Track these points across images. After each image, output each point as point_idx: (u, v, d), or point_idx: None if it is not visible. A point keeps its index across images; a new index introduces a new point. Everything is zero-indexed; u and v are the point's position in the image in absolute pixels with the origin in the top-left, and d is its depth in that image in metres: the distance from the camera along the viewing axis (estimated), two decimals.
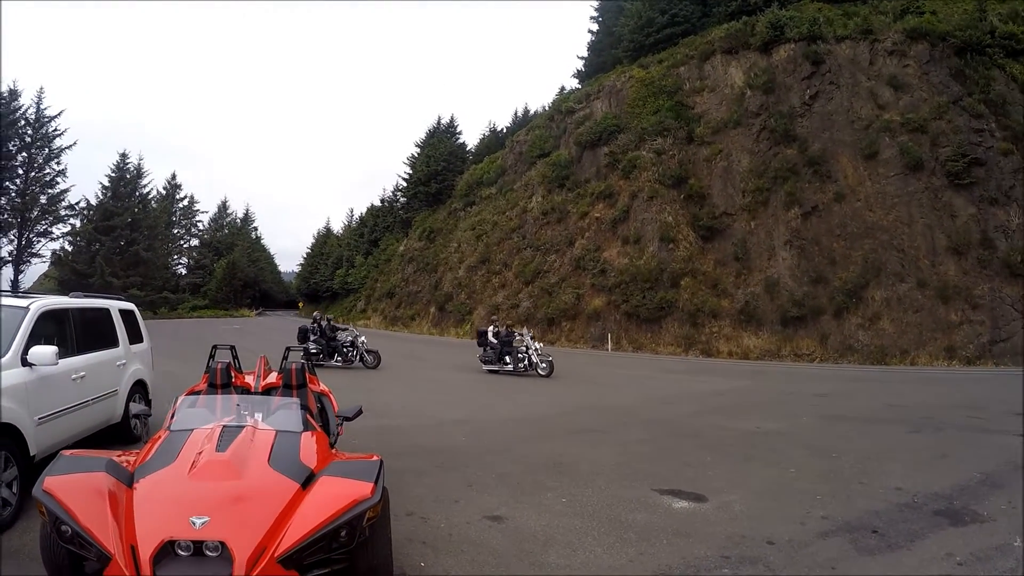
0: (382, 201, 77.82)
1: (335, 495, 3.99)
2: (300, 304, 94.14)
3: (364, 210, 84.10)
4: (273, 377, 7.50)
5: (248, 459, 4.31)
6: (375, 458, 4.57)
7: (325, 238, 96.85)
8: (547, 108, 55.30)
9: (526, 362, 20.85)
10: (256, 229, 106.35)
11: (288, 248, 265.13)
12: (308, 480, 4.24)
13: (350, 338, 22.00)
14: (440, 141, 64.82)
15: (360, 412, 6.67)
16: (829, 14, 39.38)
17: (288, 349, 8.35)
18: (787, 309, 32.52)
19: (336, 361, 21.56)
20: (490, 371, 21.20)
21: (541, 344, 22.46)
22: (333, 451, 5.35)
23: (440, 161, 62.10)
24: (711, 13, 45.12)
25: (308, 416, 5.54)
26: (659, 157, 39.36)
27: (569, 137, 46.30)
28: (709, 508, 6.59)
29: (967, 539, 5.84)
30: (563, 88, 62.25)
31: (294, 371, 6.92)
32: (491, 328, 22.17)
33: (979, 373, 25.26)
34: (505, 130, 63.71)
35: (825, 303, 31.99)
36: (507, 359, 21.22)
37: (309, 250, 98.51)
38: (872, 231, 32.54)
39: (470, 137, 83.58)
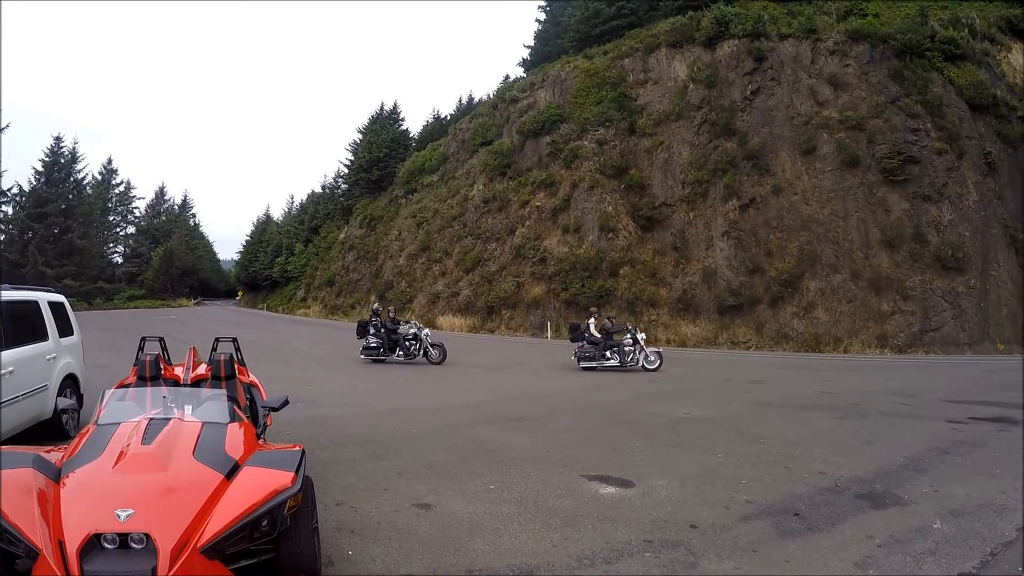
0: (323, 188, 76.65)
1: (256, 485, 4.05)
2: (239, 293, 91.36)
3: (305, 197, 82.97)
4: (202, 369, 7.35)
5: (173, 451, 4.33)
6: (297, 448, 4.63)
7: (265, 225, 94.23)
8: (491, 96, 54.76)
9: (633, 356, 19.44)
10: (195, 216, 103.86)
11: (228, 235, 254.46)
12: (232, 471, 4.27)
13: (413, 331, 20.41)
14: (383, 127, 63.58)
15: (286, 402, 6.48)
16: (774, 12, 39.91)
17: (217, 340, 8.29)
18: (724, 298, 32.70)
19: (398, 355, 20.13)
20: (587, 368, 19.24)
21: (644, 335, 20.84)
22: (260, 442, 5.39)
23: (382, 148, 60.82)
24: (658, 7, 45.32)
25: (235, 407, 5.59)
26: (601, 147, 39.12)
27: (512, 126, 45.70)
28: (635, 493, 6.64)
29: (887, 522, 5.95)
30: (508, 77, 62.42)
31: (222, 362, 6.88)
32: (592, 320, 20.30)
33: (910, 361, 25.67)
34: (449, 117, 62.99)
35: (761, 293, 32.24)
36: (610, 354, 19.50)
37: (248, 238, 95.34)
38: (808, 224, 32.80)
39: (414, 124, 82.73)
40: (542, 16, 57.25)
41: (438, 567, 4.73)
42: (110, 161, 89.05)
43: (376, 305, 23.65)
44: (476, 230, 42.99)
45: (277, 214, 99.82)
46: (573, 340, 20.58)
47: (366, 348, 20.09)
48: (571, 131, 40.90)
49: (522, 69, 58.40)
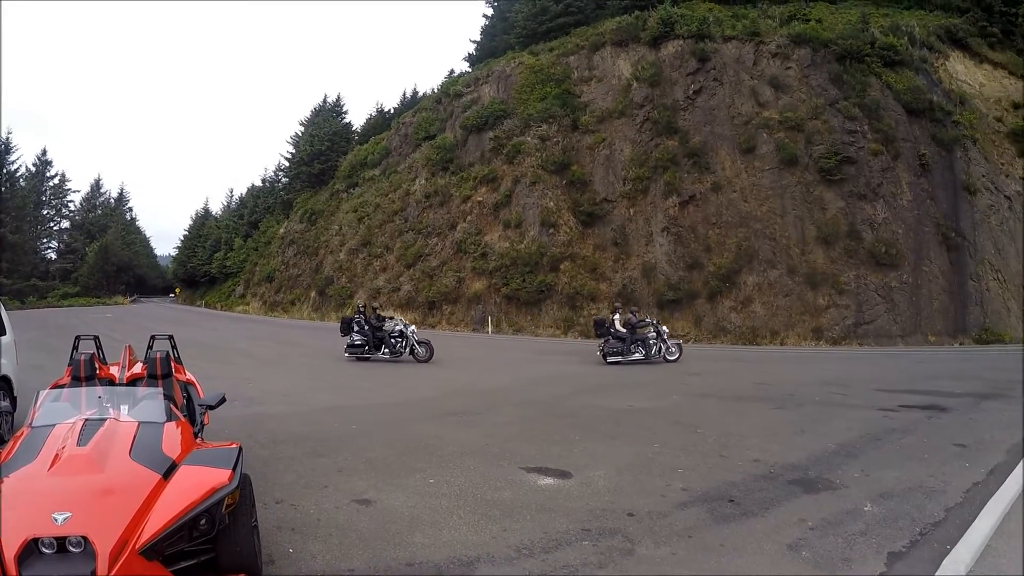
0: (263, 181, 74.78)
1: (193, 484, 4.00)
2: (177, 290, 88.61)
3: (244, 190, 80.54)
4: (138, 367, 7.15)
5: (109, 452, 4.25)
6: (234, 445, 4.60)
7: (203, 220, 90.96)
8: (436, 91, 54.03)
9: (657, 348, 19.80)
10: (131, 210, 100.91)
11: (165, 230, 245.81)
12: (170, 470, 4.22)
13: (399, 328, 19.76)
14: (325, 121, 62.36)
15: (223, 400, 6.48)
16: (719, 14, 40.25)
17: (153, 338, 8.17)
18: (663, 292, 32.74)
19: (384, 354, 19.54)
20: (614, 363, 19.31)
21: (667, 328, 21.44)
22: (197, 441, 5.37)
23: (324, 141, 59.56)
24: (605, 5, 45.32)
25: (172, 406, 5.52)
26: (543, 143, 38.84)
27: (456, 120, 45.15)
28: (573, 484, 6.68)
29: (820, 505, 6.11)
30: (453, 71, 62.05)
31: (159, 360, 6.69)
32: (617, 316, 20.39)
33: (844, 353, 26.13)
34: (392, 111, 61.89)
35: (700, 287, 32.35)
36: (635, 348, 19.75)
37: (186, 232, 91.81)
38: (746, 220, 32.97)
39: (357, 117, 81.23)
40: (489, 11, 56.90)
41: (378, 562, 4.72)
42: (44, 152, 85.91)
43: (361, 302, 22.93)
44: (417, 225, 42.25)
45: (216, 208, 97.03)
46: (599, 336, 20.56)
47: (351, 346, 19.56)
48: (514, 127, 40.55)
49: (467, 64, 57.94)
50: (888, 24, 39.47)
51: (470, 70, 54.41)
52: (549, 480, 6.85)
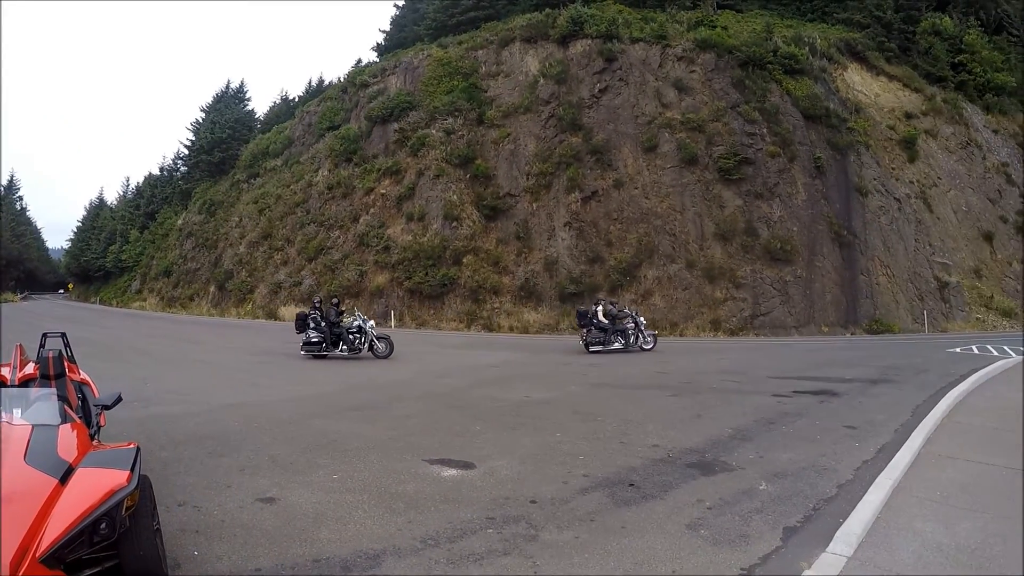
0: (161, 170, 70.68)
1: (91, 487, 3.83)
2: (70, 286, 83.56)
3: (141, 179, 76.02)
4: (30, 368, 6.66)
5: (3, 458, 4.01)
6: (131, 446, 4.41)
7: (98, 210, 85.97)
8: (342, 80, 52.67)
9: (636, 338, 20.96)
10: (21, 199, 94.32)
11: (57, 222, 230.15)
12: (67, 474, 3.99)
13: (357, 324, 18.94)
14: (227, 107, 60.01)
15: (119, 400, 6.11)
16: (628, 16, 40.62)
17: (45, 336, 7.71)
18: (565, 286, 32.48)
19: (342, 350, 18.72)
20: (595, 352, 20.24)
21: (644, 319, 22.51)
22: (94, 443, 5.15)
23: (225, 128, 57.26)
24: (516, 1, 45.37)
25: (67, 407, 5.29)
26: (448, 137, 38.16)
27: (361, 111, 43.97)
28: (476, 474, 6.69)
29: (716, 486, 6.30)
30: (360, 61, 59.93)
31: (51, 360, 6.28)
32: (600, 308, 21.25)
33: (741, 343, 26.70)
34: (297, 99, 60.23)
35: (601, 280, 32.24)
36: (615, 337, 20.75)
37: (80, 224, 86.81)
38: (647, 216, 33.08)
39: (260, 105, 78.13)
40: (400, 1, 56.24)
41: (284, 560, 4.62)
42: None
43: (317, 297, 21.59)
44: (319, 217, 40.83)
45: (112, 198, 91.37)
46: (581, 326, 21.25)
47: (307, 344, 18.57)
48: (420, 119, 39.72)
49: (376, 54, 56.88)
50: (791, 35, 40.60)
51: (378, 60, 53.38)
52: (452, 471, 6.84)
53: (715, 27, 39.48)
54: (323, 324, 18.71)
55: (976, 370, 14.84)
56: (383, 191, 38.61)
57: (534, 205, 35.18)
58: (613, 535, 5.03)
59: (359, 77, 47.76)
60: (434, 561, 4.55)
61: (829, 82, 38.87)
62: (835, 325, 31.25)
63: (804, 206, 32.97)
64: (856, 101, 39.10)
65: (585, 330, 20.88)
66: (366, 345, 18.76)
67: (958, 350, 21.28)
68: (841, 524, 5.14)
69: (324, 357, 18.47)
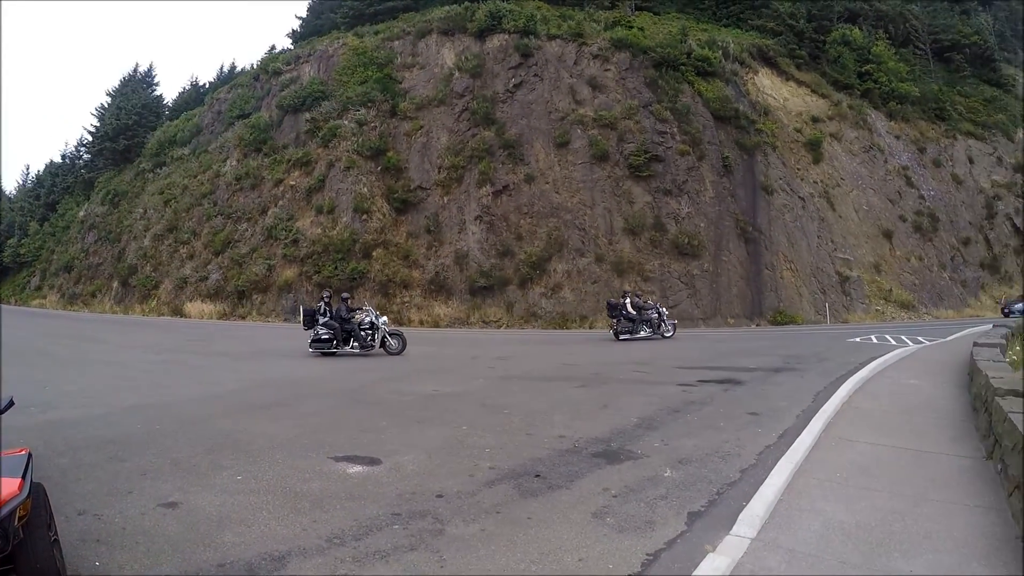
0: (64, 157, 66.39)
1: None
2: None
3: (42, 168, 71.84)
4: None
5: None
6: (22, 452, 4.16)
7: None
8: (255, 67, 51.07)
9: (661, 326, 23.03)
10: None
11: None
12: None
13: (368, 319, 18.09)
14: (134, 92, 57.27)
15: (12, 404, 5.37)
16: (546, 13, 40.75)
17: None
18: (475, 280, 32.30)
19: (352, 347, 17.77)
20: (624, 340, 22.00)
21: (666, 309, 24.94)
22: None
23: (132, 114, 54.54)
24: None
25: None
26: (361, 128, 37.35)
27: (273, 99, 42.62)
28: (382, 470, 6.63)
29: (622, 474, 6.34)
30: (274, 47, 58.24)
31: None
32: (628, 300, 22.91)
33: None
34: (208, 85, 58.13)
35: (511, 274, 32.17)
36: (641, 326, 22.55)
37: None
38: (557, 211, 33.13)
39: (169, 90, 74.73)
40: None
41: (188, 566, 4.49)
42: None
43: (327, 293, 20.29)
44: (227, 209, 39.29)
45: (9, 187, 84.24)
46: (611, 317, 23.01)
47: (316, 341, 17.60)
48: (332, 109, 38.76)
49: (290, 41, 55.40)
50: (706, 38, 41.54)
51: (292, 47, 51.98)
52: (358, 468, 6.74)
53: (632, 28, 39.96)
54: (332, 320, 17.83)
55: (874, 358, 15.33)
56: (292, 183, 37.51)
57: (445, 198, 34.80)
58: (519, 526, 5.04)
59: (272, 64, 46.41)
60: (340, 560, 4.48)
61: (740, 85, 39.79)
62: (741, 317, 32.13)
63: (711, 203, 33.62)
64: (765, 104, 40.15)
65: (615, 320, 22.53)
66: (378, 341, 17.96)
67: (858, 340, 21.95)
68: (744, 507, 5.23)
69: (334, 355, 17.58)
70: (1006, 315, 33.36)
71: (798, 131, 40.06)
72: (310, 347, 17.64)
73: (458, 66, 38.08)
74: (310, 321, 18.02)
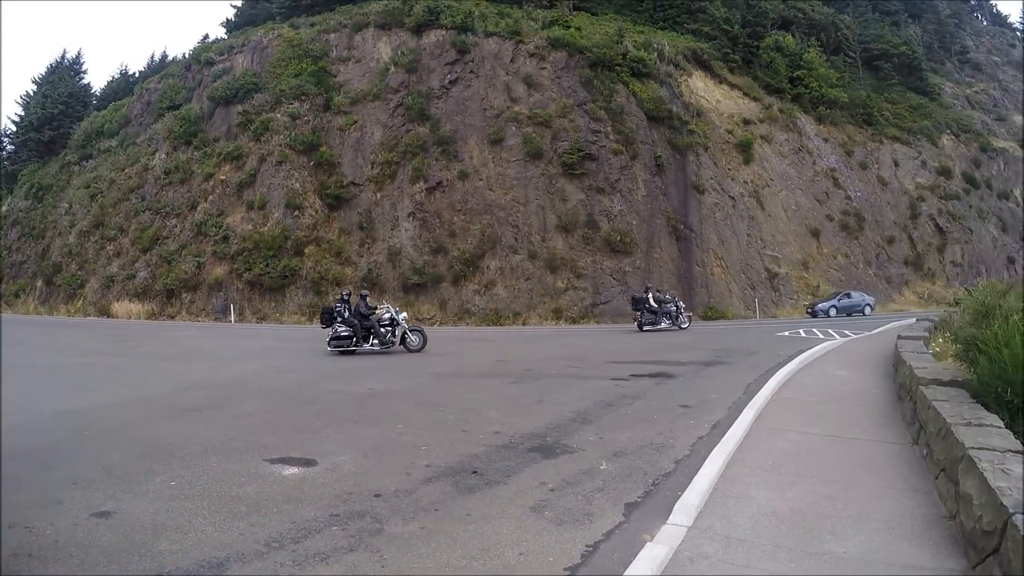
0: None
1: None
2: None
3: None
4: None
5: None
6: None
7: None
8: (187, 56, 49.59)
9: (679, 318, 25.16)
10: None
11: None
12: None
13: (388, 315, 17.73)
14: (61, 80, 55.14)
15: None
16: (484, 10, 40.72)
17: None
18: (408, 277, 32.24)
19: (372, 345, 17.46)
20: (648, 330, 23.93)
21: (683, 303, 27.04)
22: None
23: (58, 104, 52.46)
24: None
25: None
26: (293, 121, 36.75)
27: (204, 91, 41.54)
28: (319, 471, 6.54)
29: (558, 468, 6.40)
30: (208, 36, 56.72)
31: None
32: (651, 294, 25.07)
33: (582, 330, 27.55)
34: (138, 75, 56.33)
35: (444, 271, 32.23)
36: (661, 319, 24.66)
37: None
38: (491, 208, 33.26)
39: (98, 79, 71.98)
40: None
41: None
42: None
43: (346, 290, 20.10)
44: (155, 204, 38.19)
45: None
46: (635, 309, 24.86)
47: (336, 338, 17.31)
48: (265, 102, 38.02)
49: (225, 30, 54.33)
50: (642, 40, 42.02)
51: (226, 37, 50.80)
52: (294, 469, 6.64)
53: (569, 27, 40.19)
54: (351, 317, 17.48)
55: (802, 351, 15.70)
56: (223, 177, 36.64)
57: (378, 195, 34.59)
58: (459, 523, 5.05)
59: (205, 54, 45.19)
60: (279, 564, 4.42)
61: (674, 87, 40.43)
62: None
63: (644, 201, 34.09)
64: (698, 106, 40.90)
65: (639, 313, 24.40)
66: (398, 338, 17.68)
67: (786, 334, 22.49)
68: (680, 497, 5.34)
69: (353, 352, 17.21)
70: (812, 316, 33.55)
71: (730, 132, 40.95)
72: (329, 345, 17.30)
73: (394, 61, 37.84)
74: (329, 319, 17.72)
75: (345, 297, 18.39)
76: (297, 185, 34.90)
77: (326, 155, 35.72)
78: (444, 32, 38.20)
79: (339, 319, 17.56)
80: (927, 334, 13.48)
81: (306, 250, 33.50)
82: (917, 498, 5.42)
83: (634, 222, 33.28)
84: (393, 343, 17.65)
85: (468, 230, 32.65)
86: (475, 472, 6.33)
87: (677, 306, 25.39)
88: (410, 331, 17.97)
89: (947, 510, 4.98)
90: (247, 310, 33.07)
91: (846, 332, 22.30)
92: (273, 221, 34.24)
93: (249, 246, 33.56)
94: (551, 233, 32.60)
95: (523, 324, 29.86)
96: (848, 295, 35.76)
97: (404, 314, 18.58)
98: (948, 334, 10.84)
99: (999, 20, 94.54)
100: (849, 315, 34.11)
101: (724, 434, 7.45)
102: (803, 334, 22.15)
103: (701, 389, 10.92)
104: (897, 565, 4.23)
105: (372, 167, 35.18)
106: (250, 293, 33.44)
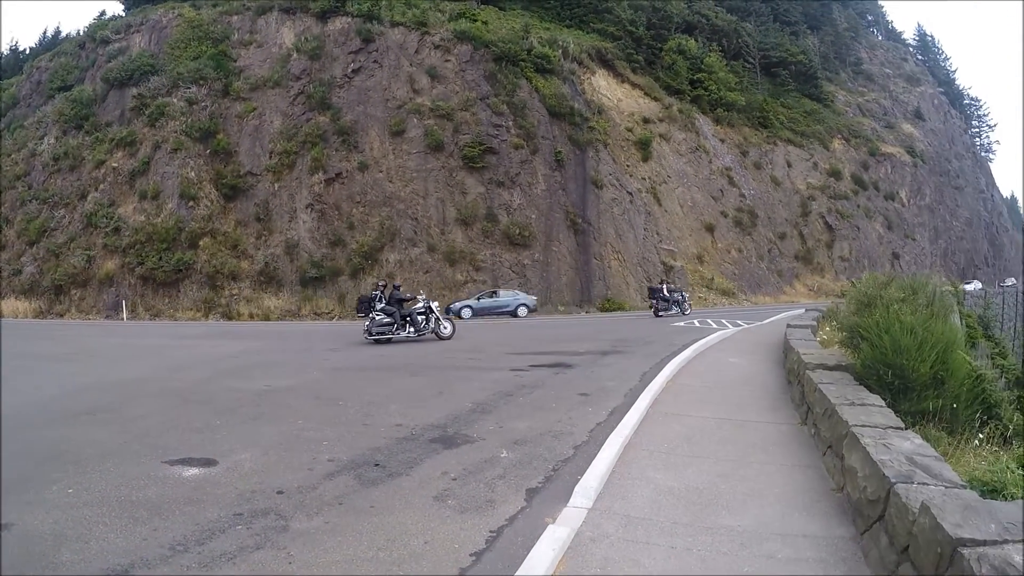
0: None
1: None
2: None
3: None
4: None
5: None
6: None
7: None
8: (81, 33, 47.41)
9: (685, 307, 28.79)
10: None
11: None
12: None
13: (423, 304, 18.24)
14: None
15: None
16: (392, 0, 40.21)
17: None
18: (307, 270, 31.91)
19: (409, 332, 17.86)
20: (661, 316, 27.16)
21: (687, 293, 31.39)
22: None
23: None
24: None
25: None
26: (190, 107, 35.67)
27: (98, 71, 39.80)
28: (219, 471, 6.42)
29: (460, 458, 6.46)
30: (104, 13, 54.65)
31: None
32: (665, 286, 29.21)
33: (480, 322, 27.50)
34: (29, 52, 53.84)
35: (343, 264, 32.04)
36: (672, 306, 28.16)
37: None
38: (390, 200, 33.30)
39: None
40: None
41: None
42: None
43: (382, 280, 21.29)
44: (43, 193, 36.21)
45: None
46: (652, 298, 28.50)
47: (379, 324, 17.66)
48: (161, 85, 36.72)
49: (123, 6, 52.20)
50: (548, 37, 42.86)
51: (124, 14, 48.84)
52: (195, 470, 6.49)
53: (476, 21, 40.65)
54: (389, 306, 17.94)
55: (697, 340, 16.14)
56: (115, 164, 35.17)
57: (276, 185, 34.08)
58: (363, 515, 5.05)
59: (101, 32, 43.28)
60: (185, 567, 4.34)
61: (577, 84, 41.47)
62: (571, 304, 33.59)
63: (543, 195, 34.88)
64: (600, 103, 42.08)
65: (654, 300, 28.03)
66: (431, 327, 18.10)
67: (682, 324, 23.17)
68: (579, 481, 5.45)
69: (389, 341, 17.52)
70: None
71: (629, 130, 42.33)
72: (370, 333, 17.60)
73: (297, 47, 37.37)
74: (366, 308, 18.24)
75: (381, 286, 19.37)
76: (192, 174, 33.92)
77: (223, 143, 34.91)
78: (350, 20, 37.99)
79: (378, 307, 18.15)
80: (815, 323, 14.19)
81: (201, 242, 32.63)
82: (807, 473, 5.74)
83: (533, 216, 34.00)
84: (425, 331, 18.15)
85: (367, 222, 32.61)
86: (377, 465, 6.34)
87: (683, 296, 29.27)
88: (444, 320, 18.65)
89: (835, 483, 5.30)
90: (140, 306, 31.97)
91: (739, 322, 23.28)
92: (167, 212, 33.13)
93: (142, 238, 32.38)
94: (451, 226, 32.97)
95: None
96: (494, 293, 30.54)
97: (436, 303, 19.10)
98: (835, 323, 11.53)
99: (893, 35, 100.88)
100: (492, 316, 29.09)
101: (621, 420, 7.61)
102: (698, 324, 23.00)
103: (599, 378, 11.08)
104: (790, 535, 4.47)
105: (270, 156, 34.63)
106: (143, 288, 32.32)
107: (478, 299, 29.66)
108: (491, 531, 4.67)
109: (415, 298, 18.90)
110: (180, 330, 25.31)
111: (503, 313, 29.27)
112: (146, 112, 35.98)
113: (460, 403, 9.16)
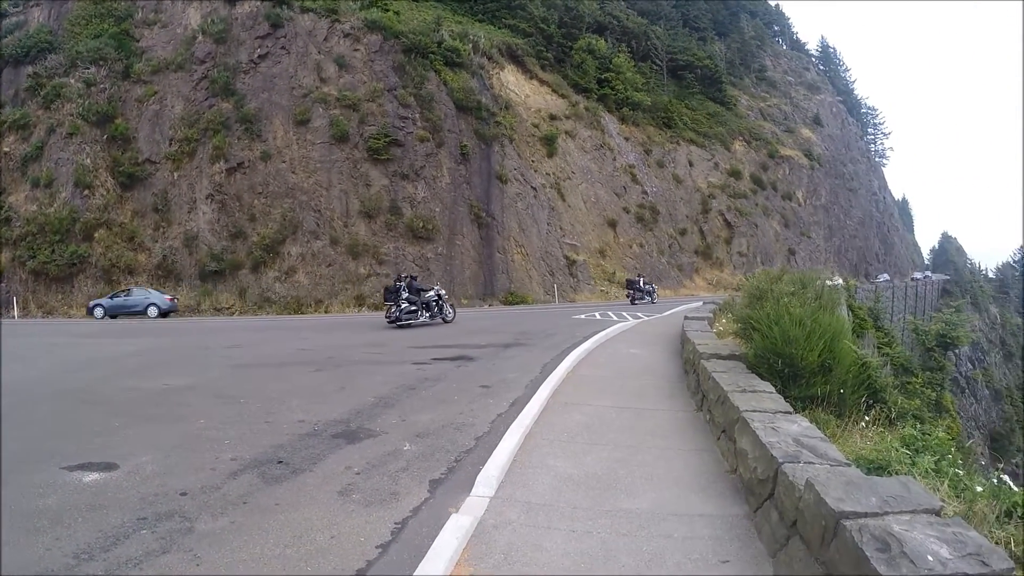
0: None
1: None
2: None
3: None
4: None
5: None
6: None
7: None
8: None
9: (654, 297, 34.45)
10: None
11: None
12: None
13: (435, 293, 21.73)
14: None
15: None
16: None
17: None
18: (206, 264, 31.58)
19: (425, 318, 21.12)
20: (637, 304, 31.59)
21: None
22: None
23: None
24: None
25: None
26: (88, 89, 34.46)
27: None
28: (121, 475, 6.28)
29: (363, 452, 6.55)
30: None
31: None
32: (641, 278, 34.67)
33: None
34: None
35: (243, 257, 31.81)
36: (645, 296, 33.19)
37: None
38: (293, 191, 33.25)
39: None
40: None
41: None
42: None
43: (405, 273, 23.63)
44: None
45: None
46: (628, 289, 33.27)
47: (406, 311, 20.49)
48: (59, 65, 35.36)
49: None
50: (459, 30, 43.37)
51: None
52: (95, 475, 6.29)
53: (388, 10, 40.61)
54: (412, 296, 20.87)
55: (597, 332, 16.70)
56: (7, 149, 33.72)
57: (175, 174, 33.48)
58: (268, 513, 5.05)
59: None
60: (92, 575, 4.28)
61: (485, 78, 42.27)
62: (474, 297, 34.43)
63: (448, 189, 35.61)
64: (507, 99, 43.04)
65: (631, 291, 32.68)
66: (440, 312, 21.54)
67: (583, 317, 23.73)
68: (481, 470, 5.61)
69: (409, 326, 20.24)
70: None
71: (536, 127, 43.49)
72: (398, 320, 20.24)
73: (203, 29, 36.54)
74: (394, 297, 20.64)
75: (403, 278, 21.79)
76: (88, 161, 32.95)
77: (121, 128, 34.00)
78: (258, 3, 37.26)
79: (404, 296, 20.75)
80: (712, 315, 14.68)
81: (96, 234, 31.84)
82: (702, 456, 6.03)
83: (437, 209, 34.67)
84: (435, 316, 21.45)
85: (269, 214, 32.49)
86: (281, 462, 6.33)
87: (652, 288, 34.74)
88: (448, 307, 22.05)
89: (728, 465, 5.57)
90: (32, 303, 31.03)
91: (639, 315, 24.21)
92: (60, 201, 32.14)
93: (33, 230, 31.40)
94: (354, 218, 33.22)
95: (325, 312, 30.14)
96: (128, 292, 28.92)
97: (443, 291, 22.58)
98: (730, 315, 12.13)
99: (797, 46, 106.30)
100: (122, 317, 27.83)
101: (522, 410, 7.78)
102: (598, 317, 23.53)
103: (500, 370, 11.28)
104: (686, 515, 4.72)
105: (170, 144, 33.94)
106: (35, 284, 31.32)
107: (111, 298, 28.56)
108: (396, 523, 4.80)
109: (430, 289, 22.03)
110: (75, 328, 24.41)
111: (135, 313, 27.83)
112: (41, 93, 34.70)
113: (363, 397, 9.24)
